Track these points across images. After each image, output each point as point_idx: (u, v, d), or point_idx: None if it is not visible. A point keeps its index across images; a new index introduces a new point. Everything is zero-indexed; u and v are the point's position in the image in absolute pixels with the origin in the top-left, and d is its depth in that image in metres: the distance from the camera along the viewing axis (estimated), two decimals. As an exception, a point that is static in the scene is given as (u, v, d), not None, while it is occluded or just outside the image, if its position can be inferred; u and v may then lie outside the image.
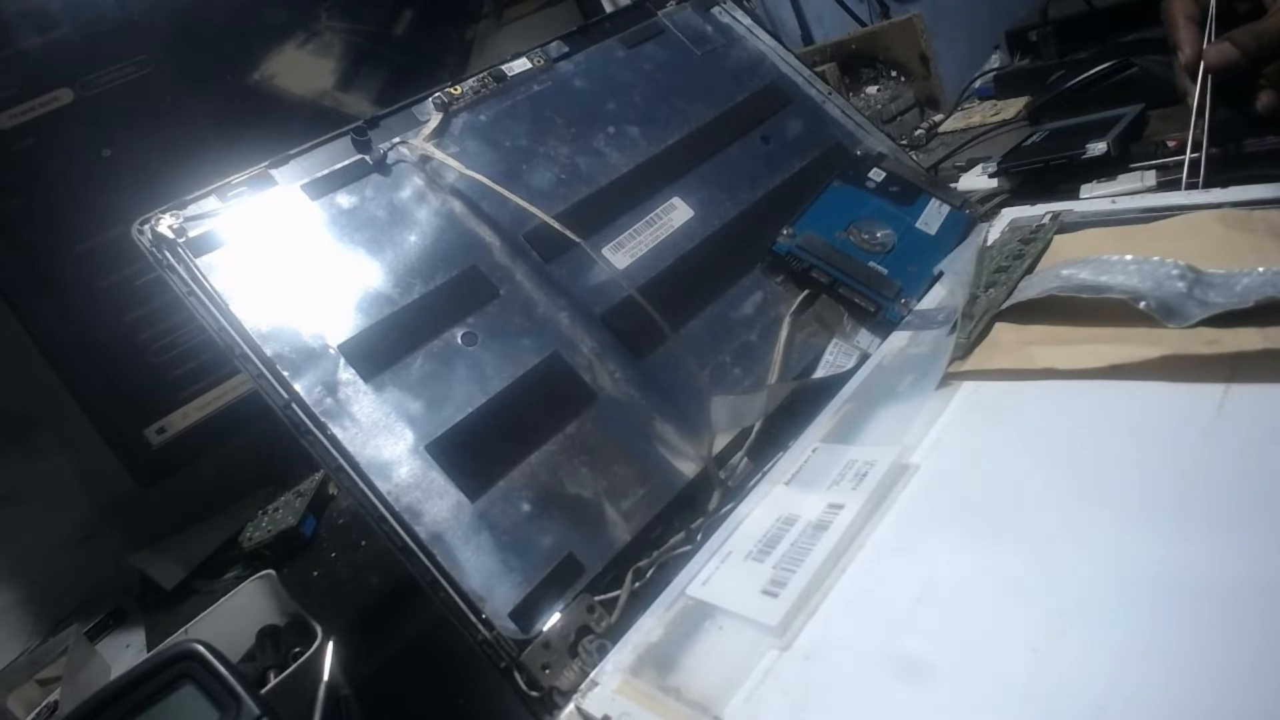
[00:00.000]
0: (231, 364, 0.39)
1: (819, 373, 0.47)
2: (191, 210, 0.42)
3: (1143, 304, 0.36)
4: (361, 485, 0.37)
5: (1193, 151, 0.46)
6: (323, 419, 0.38)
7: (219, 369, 0.67)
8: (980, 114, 0.80)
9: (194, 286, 0.40)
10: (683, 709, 0.30)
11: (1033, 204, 0.51)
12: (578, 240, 0.44)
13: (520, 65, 0.54)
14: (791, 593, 0.32)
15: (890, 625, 0.30)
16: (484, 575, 0.37)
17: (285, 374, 0.39)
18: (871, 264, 0.50)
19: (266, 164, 0.45)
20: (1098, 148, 0.53)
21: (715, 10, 0.63)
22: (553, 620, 0.36)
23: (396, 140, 0.48)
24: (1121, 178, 0.53)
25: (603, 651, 0.35)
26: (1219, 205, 0.43)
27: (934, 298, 0.48)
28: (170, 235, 0.41)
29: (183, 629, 0.52)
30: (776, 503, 0.38)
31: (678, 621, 0.34)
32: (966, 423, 0.38)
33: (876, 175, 0.55)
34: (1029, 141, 0.61)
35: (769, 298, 0.50)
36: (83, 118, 0.63)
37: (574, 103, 0.54)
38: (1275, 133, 0.47)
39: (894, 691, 0.27)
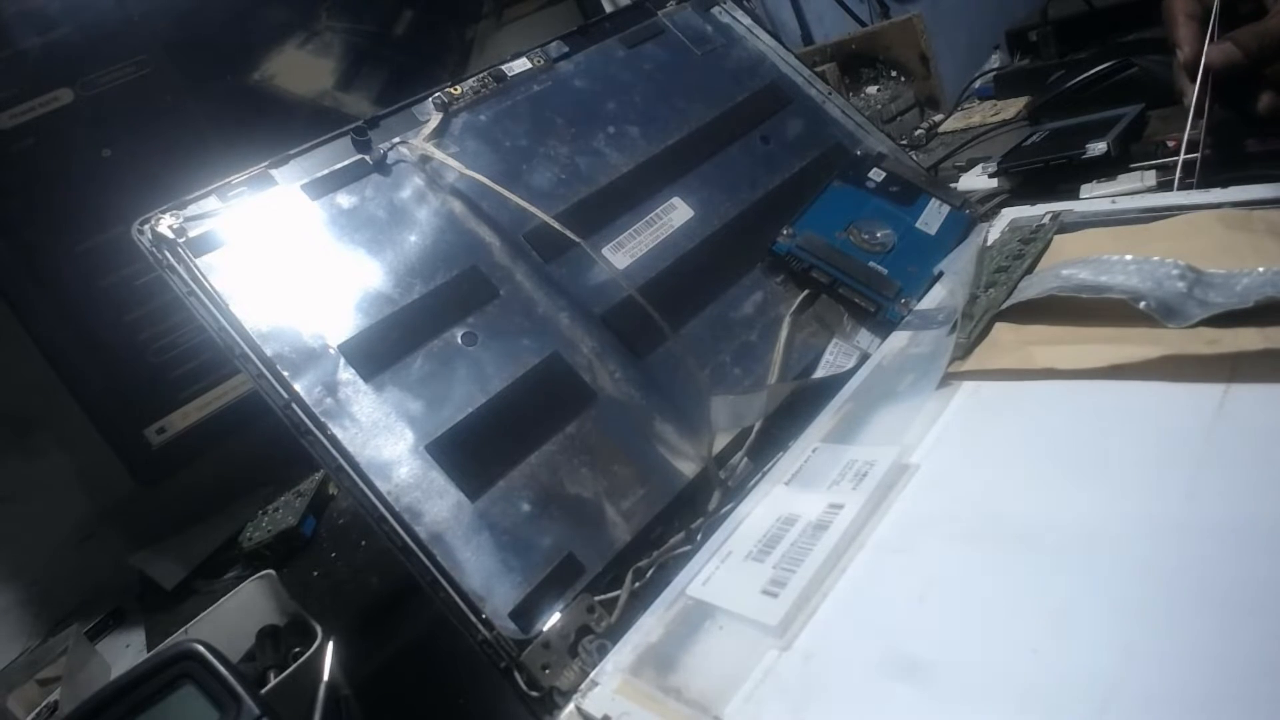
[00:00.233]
0: (231, 364, 0.39)
1: (819, 373, 0.47)
2: (191, 210, 0.42)
3: (1143, 304, 0.36)
4: (361, 485, 0.37)
5: (1190, 151, 0.46)
6: (323, 419, 0.38)
7: (219, 369, 0.68)
8: (980, 114, 0.80)
9: (194, 286, 0.40)
10: (683, 709, 0.30)
11: (1033, 204, 0.51)
12: (578, 240, 0.44)
13: (520, 65, 0.54)
14: (791, 593, 0.32)
15: (890, 625, 0.30)
16: (484, 575, 0.37)
17: (285, 374, 0.39)
18: (871, 264, 0.50)
19: (266, 164, 0.45)
20: (1098, 148, 0.53)
21: (715, 10, 0.63)
22: (553, 620, 0.36)
23: (396, 140, 0.48)
24: (1121, 178, 0.53)
25: (603, 651, 0.35)
26: (1219, 205, 0.43)
27: (934, 298, 0.48)
28: (170, 235, 0.41)
29: (183, 629, 0.52)
30: (776, 503, 0.38)
31: (678, 621, 0.34)
32: (966, 423, 0.38)
33: (876, 175, 0.55)
34: (1029, 141, 0.61)
35: (769, 298, 0.50)
36: (83, 118, 0.63)
37: (574, 103, 0.54)
38: (1273, 132, 0.47)
39: (894, 691, 0.27)
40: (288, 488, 0.73)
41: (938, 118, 0.85)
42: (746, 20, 0.64)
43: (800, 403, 0.44)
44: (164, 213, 0.41)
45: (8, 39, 0.60)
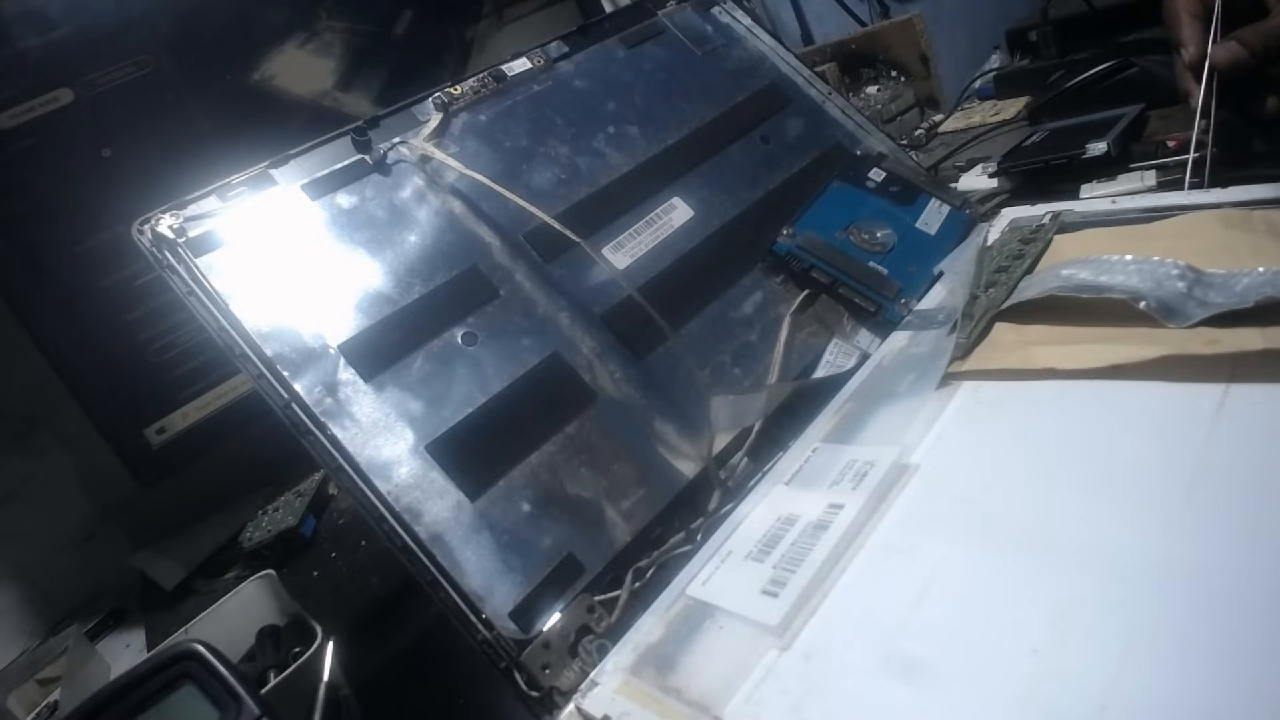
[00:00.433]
0: (231, 364, 0.39)
1: (819, 373, 0.47)
2: (191, 210, 0.42)
3: (1143, 304, 0.36)
4: (361, 485, 0.37)
5: (1196, 152, 0.46)
6: (323, 419, 0.38)
7: (219, 369, 0.68)
8: (980, 114, 0.80)
9: (194, 286, 0.40)
10: (683, 709, 0.30)
11: (1033, 204, 0.51)
12: (578, 240, 0.44)
13: (520, 65, 0.54)
14: (791, 593, 0.32)
15: (890, 625, 0.30)
16: (484, 575, 0.37)
17: (285, 374, 0.39)
18: (871, 264, 0.50)
19: (266, 164, 0.45)
20: (1098, 148, 0.53)
21: (715, 10, 0.63)
22: (553, 620, 0.36)
23: (396, 140, 0.48)
24: (1121, 178, 0.53)
25: (603, 651, 0.35)
26: (1219, 205, 0.43)
27: (934, 298, 0.48)
28: (170, 235, 0.41)
29: (183, 629, 0.52)
30: (776, 503, 0.38)
31: (678, 621, 0.34)
32: (966, 422, 0.38)
33: (876, 175, 0.55)
34: (1029, 141, 0.61)
35: (769, 298, 0.50)
36: (83, 118, 0.63)
37: (574, 103, 0.54)
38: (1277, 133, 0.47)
39: (894, 691, 0.27)
40: (288, 488, 0.73)
41: (938, 118, 0.85)
42: (746, 20, 0.64)
43: (800, 403, 0.44)
44: (164, 213, 0.41)
45: (8, 39, 0.60)
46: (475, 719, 0.43)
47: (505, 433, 0.41)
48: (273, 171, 0.45)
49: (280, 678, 0.44)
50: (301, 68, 0.75)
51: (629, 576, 0.38)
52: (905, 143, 0.77)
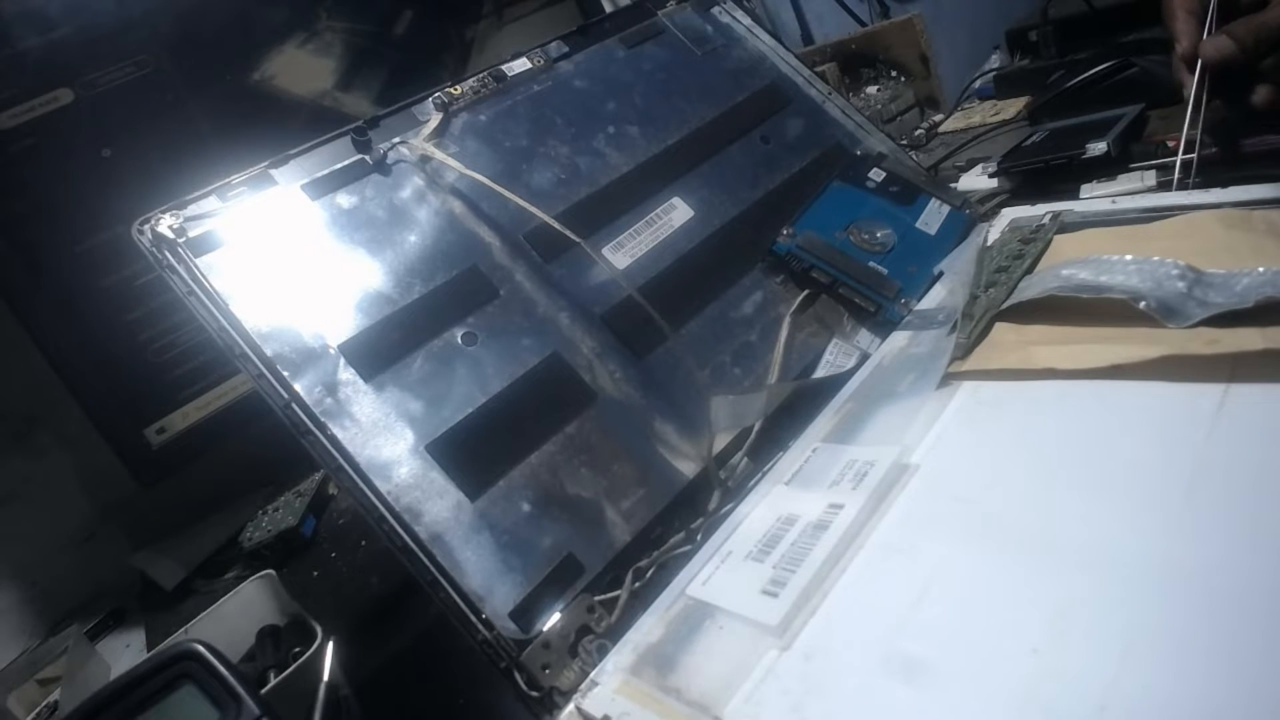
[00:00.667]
0: (231, 364, 0.39)
1: (819, 373, 0.47)
2: (191, 210, 0.42)
3: (1143, 304, 0.36)
4: (361, 485, 0.37)
5: (1187, 145, 0.46)
6: (323, 419, 0.38)
7: (219, 369, 0.68)
8: (980, 114, 0.79)
9: (194, 286, 0.40)
10: (683, 709, 0.30)
11: (1033, 204, 0.51)
12: (578, 240, 0.44)
13: (520, 65, 0.54)
14: (791, 593, 0.32)
15: (890, 625, 0.30)
16: (484, 575, 0.37)
17: (285, 374, 0.39)
18: (871, 264, 0.50)
19: (266, 164, 0.45)
20: (1098, 148, 0.53)
21: (715, 10, 0.63)
22: (553, 620, 0.36)
23: (396, 140, 0.48)
24: (1121, 178, 0.52)
25: (603, 651, 0.35)
26: (1219, 205, 0.43)
27: (934, 298, 0.48)
28: (170, 235, 0.41)
29: (183, 629, 0.52)
30: (776, 503, 0.38)
31: (678, 621, 0.34)
32: (967, 422, 0.38)
33: (876, 175, 0.55)
34: (1029, 141, 0.61)
35: (769, 298, 0.50)
36: (83, 118, 0.63)
37: (574, 103, 0.54)
38: (1274, 131, 0.47)
39: (894, 691, 0.27)
40: (288, 488, 0.73)
41: (938, 118, 0.85)
42: (746, 20, 0.64)
43: (800, 403, 0.44)
44: (164, 213, 0.41)
45: (8, 39, 0.60)
46: (475, 719, 0.43)
47: (505, 433, 0.41)
48: (273, 171, 0.45)
49: (280, 678, 0.44)
50: (301, 68, 0.75)
51: (629, 576, 0.38)
52: (905, 143, 0.77)
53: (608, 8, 0.90)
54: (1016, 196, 0.57)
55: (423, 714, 0.46)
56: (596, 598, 0.37)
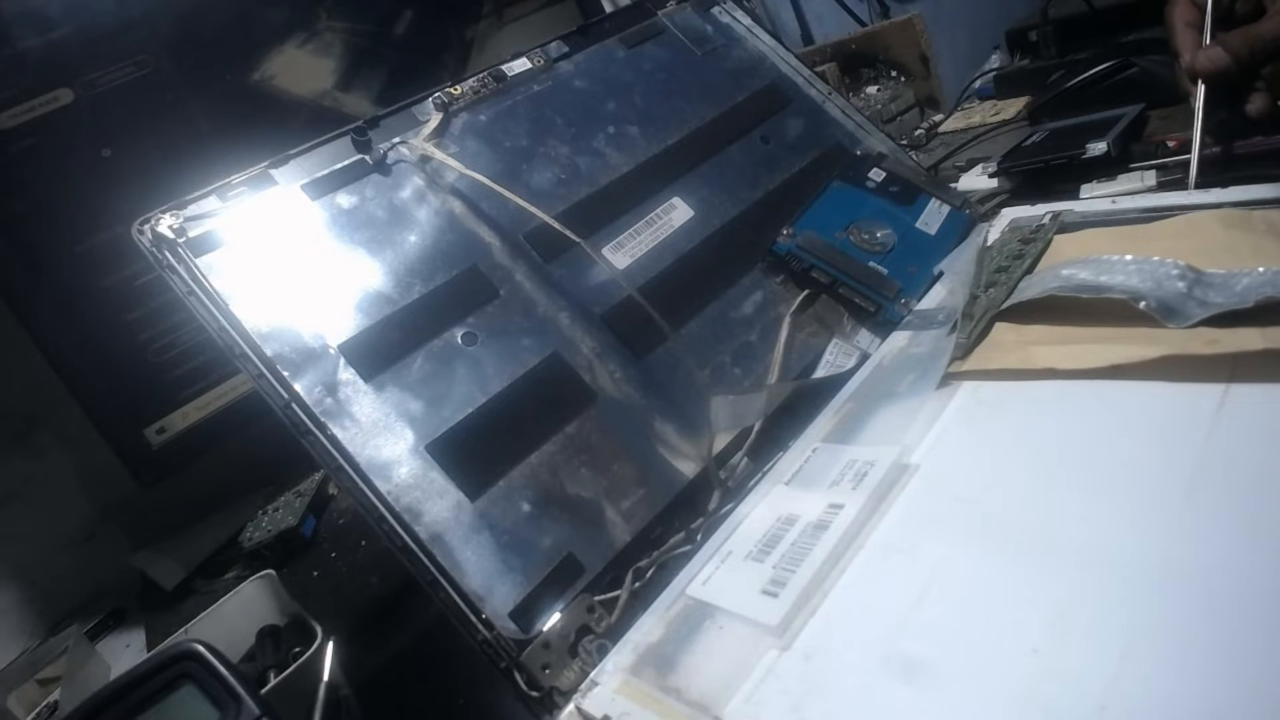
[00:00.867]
0: (231, 364, 0.39)
1: (819, 373, 0.47)
2: (191, 210, 0.42)
3: (1143, 304, 0.36)
4: (361, 485, 0.37)
5: (1190, 154, 0.47)
6: (323, 419, 0.38)
7: (219, 369, 0.68)
8: (980, 114, 0.79)
9: (194, 286, 0.40)
10: (683, 709, 0.30)
11: (1033, 204, 0.51)
12: (578, 240, 0.44)
13: (520, 65, 0.54)
14: (791, 593, 0.32)
15: (890, 625, 0.30)
16: (484, 575, 0.37)
17: (285, 374, 0.39)
18: (871, 264, 0.50)
19: (266, 164, 0.45)
20: (1098, 148, 0.53)
21: (715, 10, 0.63)
22: (553, 620, 0.36)
23: (396, 140, 0.48)
24: (1121, 178, 0.53)
25: (603, 651, 0.35)
26: (1219, 205, 0.43)
27: (934, 298, 0.48)
28: (170, 235, 0.41)
29: (183, 629, 0.52)
30: (776, 503, 0.38)
31: (678, 621, 0.34)
32: (966, 422, 0.38)
33: (876, 175, 0.55)
34: (1029, 141, 0.61)
35: (769, 298, 0.50)
36: (83, 118, 0.63)
37: (574, 103, 0.54)
38: (1263, 134, 0.47)
39: (894, 691, 0.27)
40: (288, 488, 0.73)
41: (938, 118, 0.85)
42: (746, 20, 0.64)
43: (800, 403, 0.44)
44: (164, 213, 0.41)
45: (8, 39, 0.60)
46: (475, 719, 0.43)
47: (505, 433, 0.41)
48: (273, 171, 0.45)
49: (280, 678, 0.44)
50: (301, 68, 0.75)
51: (629, 576, 0.38)
52: (905, 143, 0.77)
53: (608, 8, 0.90)
54: (1016, 196, 0.57)
55: (423, 714, 0.46)
56: (596, 598, 0.37)
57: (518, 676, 0.34)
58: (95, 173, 0.64)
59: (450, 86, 0.51)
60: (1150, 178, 0.51)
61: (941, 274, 0.49)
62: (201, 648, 0.34)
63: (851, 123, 0.61)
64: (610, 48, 0.58)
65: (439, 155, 0.47)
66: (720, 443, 0.43)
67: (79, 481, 0.74)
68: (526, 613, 0.36)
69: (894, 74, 0.90)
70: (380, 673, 0.50)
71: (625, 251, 0.49)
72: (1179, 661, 0.24)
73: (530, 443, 0.41)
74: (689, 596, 0.35)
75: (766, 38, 0.63)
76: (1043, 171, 0.56)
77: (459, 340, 0.43)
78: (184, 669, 0.33)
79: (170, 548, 0.72)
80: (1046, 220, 0.48)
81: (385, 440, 0.39)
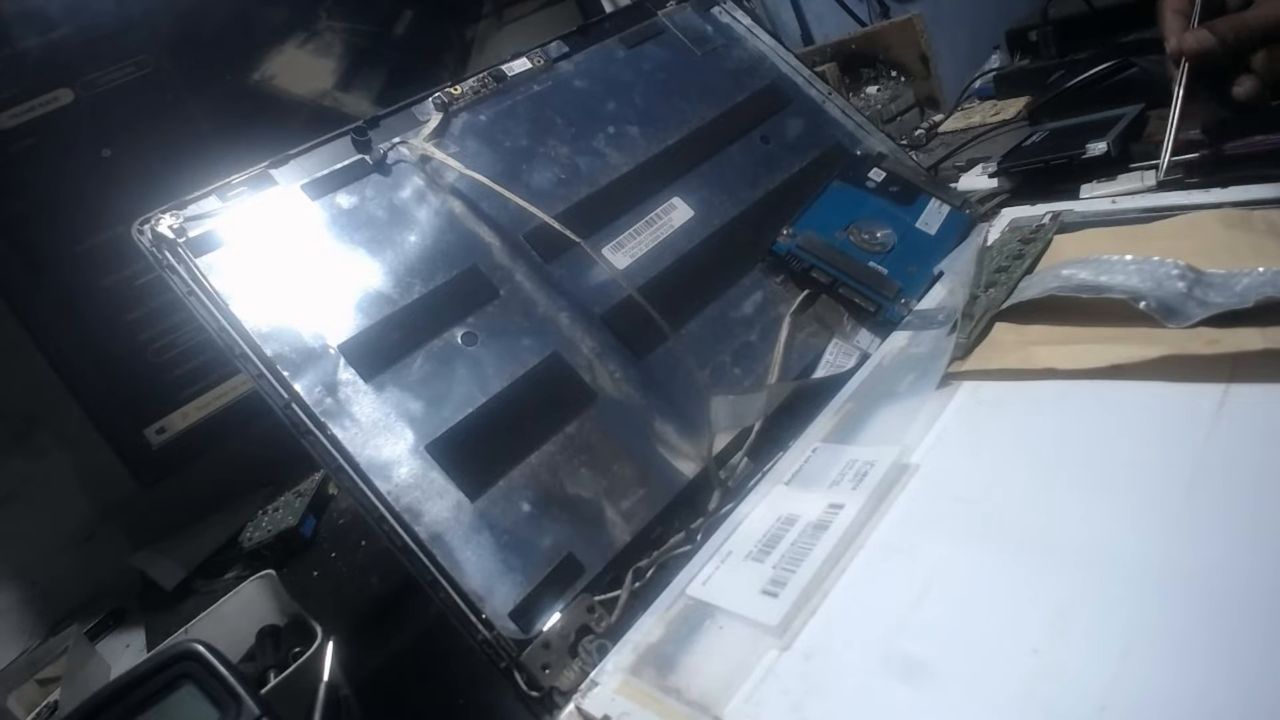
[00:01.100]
0: (231, 364, 0.39)
1: (819, 373, 0.47)
2: (191, 210, 0.42)
3: (1143, 304, 0.36)
4: (361, 485, 0.37)
5: (1177, 148, 0.47)
6: (323, 419, 0.38)
7: (219, 369, 0.68)
8: (980, 114, 0.79)
9: (194, 286, 0.40)
10: (683, 709, 0.30)
11: (1033, 204, 0.51)
12: (578, 240, 0.44)
13: (520, 65, 0.54)
14: (791, 593, 0.32)
15: (890, 625, 0.30)
16: (484, 575, 0.37)
17: (285, 374, 0.39)
18: (871, 264, 0.50)
19: (266, 164, 0.45)
20: (1098, 148, 0.53)
21: (715, 10, 0.63)
22: (553, 620, 0.36)
23: (396, 140, 0.48)
24: (1121, 178, 0.52)
25: (603, 651, 0.35)
26: (1219, 205, 0.43)
27: (934, 298, 0.48)
28: (170, 235, 0.41)
29: (183, 629, 0.52)
30: (776, 503, 0.38)
31: (678, 621, 0.34)
32: (967, 422, 0.38)
33: (876, 175, 0.55)
34: (1029, 141, 0.61)
35: (769, 298, 0.50)
36: (83, 118, 0.63)
37: (574, 103, 0.54)
38: (1261, 133, 0.47)
39: (894, 691, 0.27)
40: (288, 488, 0.73)
41: (938, 118, 0.85)
42: (746, 20, 0.64)
43: (800, 403, 0.44)
44: (164, 213, 0.41)
45: (8, 39, 0.60)
46: (475, 719, 0.43)
47: (505, 433, 0.41)
48: (273, 171, 0.45)
49: (280, 678, 0.44)
50: (301, 68, 0.75)
51: (629, 576, 0.38)
52: (905, 143, 0.77)
53: (608, 8, 0.90)
54: (1016, 196, 0.57)
55: (423, 714, 0.46)
56: (596, 598, 0.37)
57: (518, 676, 0.34)
58: (95, 173, 0.64)
59: (450, 86, 0.51)
60: (1150, 178, 0.51)
61: (941, 274, 0.49)
62: (201, 648, 0.34)
63: (851, 123, 0.61)
64: (610, 48, 0.58)
65: (439, 155, 0.47)
66: (720, 443, 0.43)
67: (79, 481, 0.74)
68: (526, 613, 0.36)
69: (894, 74, 0.90)
70: (380, 673, 0.50)
71: (625, 251, 0.49)
72: (1179, 661, 0.24)
73: (530, 443, 0.41)
74: (689, 596, 0.35)
75: (766, 38, 0.63)
76: (1043, 171, 0.56)
77: (459, 340, 0.43)
78: (184, 669, 0.33)
79: (170, 548, 0.72)
80: (1046, 220, 0.48)
81: (385, 440, 0.39)
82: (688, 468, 0.42)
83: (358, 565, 0.62)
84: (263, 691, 0.37)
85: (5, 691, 0.60)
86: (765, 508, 0.38)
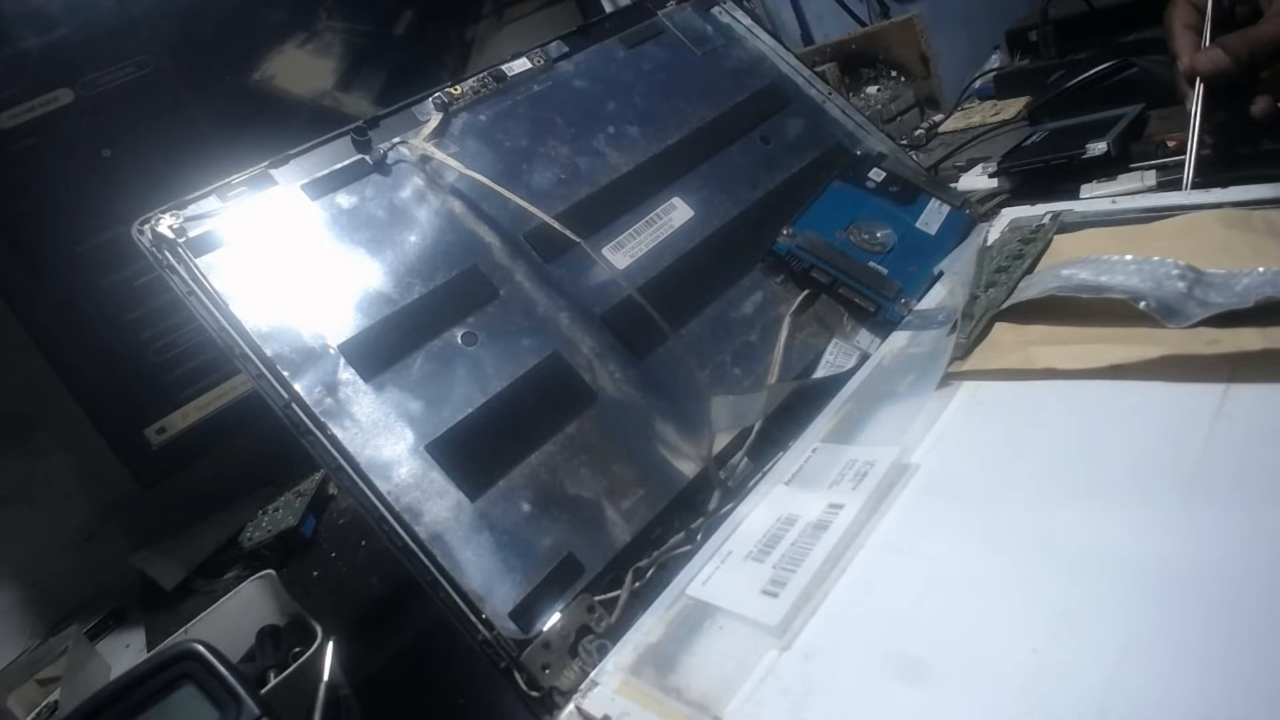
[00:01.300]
0: (231, 364, 0.39)
1: (819, 373, 0.47)
2: (191, 210, 0.42)
3: (1143, 304, 0.36)
4: (361, 485, 0.37)
5: (1190, 158, 0.47)
6: (323, 419, 0.38)
7: (219, 369, 0.68)
8: (980, 114, 0.80)
9: (194, 286, 0.40)
10: (683, 709, 0.30)
11: (1033, 204, 0.51)
12: (578, 240, 0.44)
13: (520, 65, 0.54)
14: (791, 593, 0.32)
15: (890, 625, 0.30)
16: (484, 575, 0.37)
17: (285, 374, 0.39)
18: (871, 264, 0.50)
19: (266, 164, 0.45)
20: (1098, 148, 0.53)
21: (715, 10, 0.63)
22: (553, 620, 0.36)
23: (396, 140, 0.48)
24: (1121, 178, 0.53)
25: (603, 651, 0.35)
26: (1219, 205, 0.43)
27: (934, 298, 0.48)
28: (170, 235, 0.41)
29: (183, 629, 0.52)
30: (776, 503, 0.38)
31: (678, 621, 0.34)
32: (966, 423, 0.38)
33: (876, 175, 0.55)
34: (1029, 141, 0.61)
35: (769, 298, 0.50)
36: (83, 118, 0.63)
37: (574, 103, 0.54)
38: (1270, 139, 0.47)
39: (894, 691, 0.27)
40: (288, 488, 0.73)
41: (938, 118, 0.85)
42: (746, 20, 0.64)
43: (800, 403, 0.44)
44: (164, 213, 0.41)
45: (8, 39, 0.60)
46: (475, 719, 0.43)
47: (505, 433, 0.41)
48: (273, 171, 0.45)
49: (280, 678, 0.44)
50: (301, 68, 0.75)
51: (629, 576, 0.38)
52: (905, 143, 0.77)
53: (608, 8, 0.90)
54: (1016, 196, 0.57)
55: (423, 714, 0.46)
56: (596, 598, 0.37)
57: (518, 676, 0.34)
58: (95, 173, 0.64)
59: (450, 86, 0.51)
60: (1150, 178, 0.51)
61: (941, 274, 0.49)
62: (201, 648, 0.34)
63: (851, 123, 0.61)
64: (610, 48, 0.58)
65: (439, 155, 0.47)
66: (720, 443, 0.43)
67: (79, 481, 0.74)
68: (526, 613, 0.36)
69: (894, 74, 0.90)
70: (380, 673, 0.50)
71: (625, 251, 0.49)
72: (1178, 661, 0.24)
73: (530, 443, 0.41)
74: (689, 596, 0.35)
75: (766, 38, 0.63)
76: (1043, 171, 0.56)
77: (459, 340, 0.43)
78: (184, 669, 0.33)
79: (170, 548, 0.72)
80: (1046, 220, 0.48)
81: (385, 440, 0.39)
82: (688, 468, 0.42)
83: (358, 565, 0.62)
84: (263, 691, 0.37)
85: (5, 691, 0.60)
86: (765, 508, 0.38)
